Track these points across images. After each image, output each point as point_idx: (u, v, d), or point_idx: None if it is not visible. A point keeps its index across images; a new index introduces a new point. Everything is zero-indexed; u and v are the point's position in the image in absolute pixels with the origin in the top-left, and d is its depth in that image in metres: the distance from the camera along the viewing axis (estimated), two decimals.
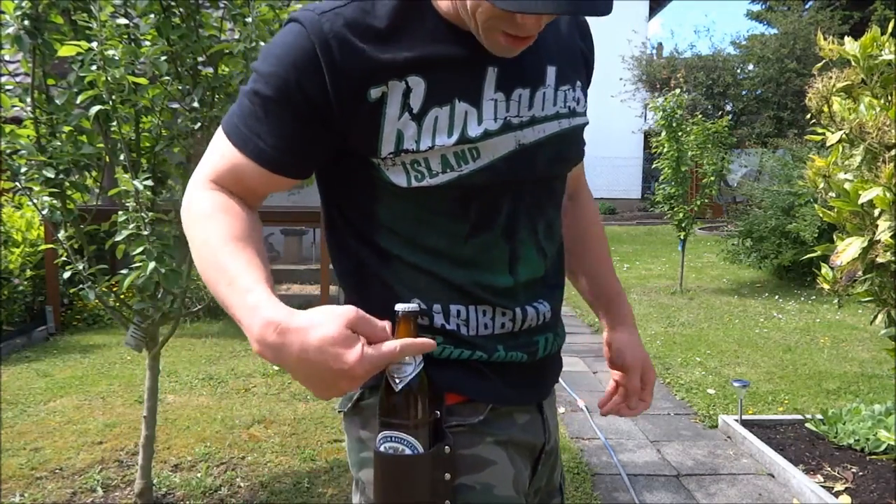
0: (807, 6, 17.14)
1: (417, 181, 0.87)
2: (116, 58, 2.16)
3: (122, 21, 2.29)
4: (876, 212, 2.07)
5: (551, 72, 0.94)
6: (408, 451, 0.83)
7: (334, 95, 0.84)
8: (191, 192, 0.93)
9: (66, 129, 2.34)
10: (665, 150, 7.64)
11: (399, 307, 0.84)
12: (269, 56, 0.88)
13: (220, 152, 0.92)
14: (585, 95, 1.02)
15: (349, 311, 0.77)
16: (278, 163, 0.89)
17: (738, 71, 15.49)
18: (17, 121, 2.45)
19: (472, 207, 0.91)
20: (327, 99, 0.85)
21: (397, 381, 0.83)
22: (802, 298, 7.43)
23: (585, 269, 1.19)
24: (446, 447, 0.89)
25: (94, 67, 2.14)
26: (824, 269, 2.27)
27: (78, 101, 2.23)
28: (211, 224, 0.88)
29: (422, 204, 0.90)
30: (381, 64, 0.85)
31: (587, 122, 1.01)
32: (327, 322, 0.75)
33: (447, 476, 0.88)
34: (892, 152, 2.04)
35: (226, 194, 0.91)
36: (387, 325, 0.79)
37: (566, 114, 0.96)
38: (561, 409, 4.02)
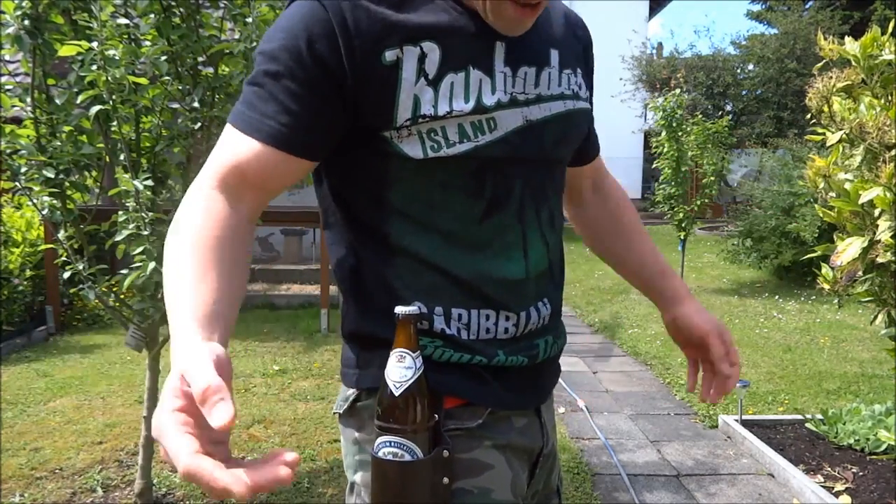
0: (807, 6, 17.14)
1: (434, 151, 0.85)
2: (117, 58, 2.16)
3: (123, 21, 2.29)
4: (876, 212, 2.07)
5: (554, 54, 0.95)
6: (408, 457, 0.81)
7: (348, 59, 0.82)
8: (189, 192, 0.87)
9: (66, 129, 2.34)
10: (665, 150, 7.64)
11: (399, 310, 0.83)
12: (275, 33, 0.85)
13: (226, 144, 0.86)
14: (587, 85, 1.02)
15: (195, 361, 0.63)
16: (292, 141, 0.84)
17: (738, 71, 15.50)
18: (17, 121, 2.45)
19: (487, 183, 0.89)
20: (341, 63, 0.82)
21: (397, 385, 0.81)
22: (802, 298, 7.42)
23: (627, 254, 1.17)
24: (445, 451, 0.88)
25: (94, 67, 2.14)
26: (824, 269, 2.27)
27: (78, 101, 2.23)
28: (187, 226, 0.82)
29: (437, 179, 0.88)
30: (394, 26, 0.84)
31: (590, 110, 1.01)
32: (175, 367, 0.66)
33: (445, 480, 0.87)
34: (892, 152, 2.04)
35: (223, 196, 0.84)
36: (206, 385, 0.60)
37: (570, 95, 0.96)
38: (561, 409, 4.02)
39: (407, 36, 0.84)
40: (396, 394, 0.81)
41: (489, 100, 0.87)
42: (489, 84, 0.87)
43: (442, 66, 0.85)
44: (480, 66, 0.87)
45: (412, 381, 0.81)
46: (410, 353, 0.83)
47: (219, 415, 0.58)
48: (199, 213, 0.82)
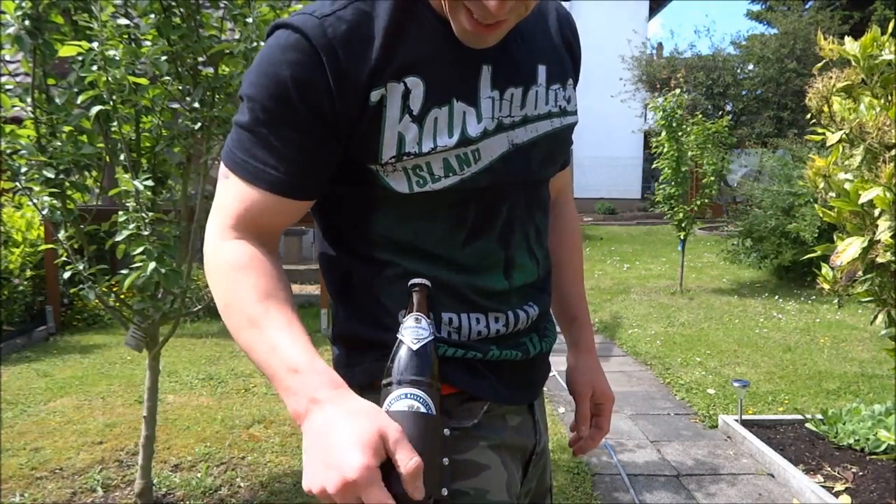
0: (807, 6, 17.14)
1: (420, 187, 0.86)
2: (117, 58, 2.16)
3: (123, 21, 2.29)
4: (876, 212, 2.07)
5: (542, 70, 0.94)
6: (423, 409, 0.79)
7: (339, 102, 0.82)
8: (211, 244, 0.89)
9: (67, 129, 2.34)
10: (665, 150, 7.64)
11: (413, 280, 0.87)
12: (261, 77, 0.83)
13: (232, 193, 0.88)
14: (574, 81, 1.01)
15: (394, 426, 0.74)
16: (297, 188, 0.87)
17: (738, 71, 15.50)
18: (18, 121, 2.45)
19: (470, 211, 0.90)
20: (333, 108, 0.82)
21: (415, 341, 0.82)
22: (802, 298, 7.42)
23: (555, 287, 1.14)
24: (446, 430, 0.87)
25: (94, 68, 2.14)
26: (824, 269, 2.27)
27: (78, 101, 2.23)
28: (238, 281, 0.85)
29: (421, 210, 0.89)
30: (380, 66, 0.83)
31: (577, 121, 1.01)
32: (367, 418, 0.73)
33: (445, 461, 0.86)
34: (892, 152, 2.04)
35: (248, 243, 0.88)
36: (418, 461, 0.72)
37: (557, 113, 0.96)
38: (561, 409, 4.02)
39: (392, 73, 0.84)
40: (414, 348, 0.82)
41: (474, 130, 0.87)
42: (474, 114, 0.87)
43: (426, 101, 0.85)
44: (465, 97, 0.87)
45: (429, 339, 0.83)
46: (425, 317, 0.85)
47: (418, 491, 0.72)
48: (233, 254, 0.87)
